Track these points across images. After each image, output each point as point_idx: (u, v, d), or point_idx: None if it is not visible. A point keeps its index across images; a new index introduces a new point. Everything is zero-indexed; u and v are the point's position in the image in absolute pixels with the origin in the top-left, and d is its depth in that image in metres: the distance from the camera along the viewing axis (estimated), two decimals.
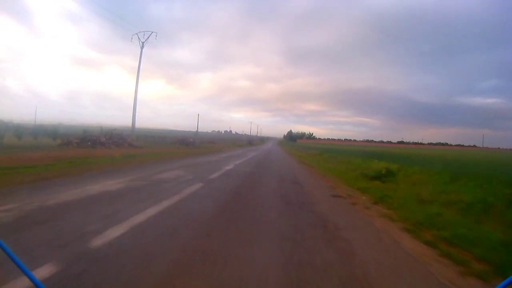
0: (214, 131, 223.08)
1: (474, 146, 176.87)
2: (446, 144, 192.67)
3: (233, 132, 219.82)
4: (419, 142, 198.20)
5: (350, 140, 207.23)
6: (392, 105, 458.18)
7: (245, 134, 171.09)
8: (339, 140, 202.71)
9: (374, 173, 11.83)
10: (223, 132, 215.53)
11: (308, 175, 14.75)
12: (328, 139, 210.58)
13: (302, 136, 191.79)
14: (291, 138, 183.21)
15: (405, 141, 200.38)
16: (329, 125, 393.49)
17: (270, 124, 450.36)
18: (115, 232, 3.96)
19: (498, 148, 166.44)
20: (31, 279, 0.89)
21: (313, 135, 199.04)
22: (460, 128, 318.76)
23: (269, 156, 29.95)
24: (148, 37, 38.05)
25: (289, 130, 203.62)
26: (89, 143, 23.84)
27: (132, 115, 36.03)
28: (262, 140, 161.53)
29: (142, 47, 38.13)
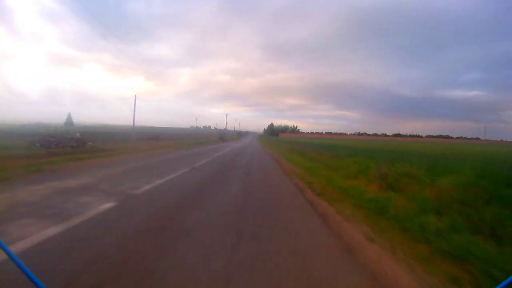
0: (192, 126, 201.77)
1: (478, 138, 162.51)
2: (448, 136, 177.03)
3: (212, 127, 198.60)
4: (417, 134, 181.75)
5: (339, 133, 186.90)
6: (373, 98, 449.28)
7: (224, 129, 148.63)
8: (327, 133, 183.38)
9: None
10: (201, 127, 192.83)
11: None
12: (312, 132, 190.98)
13: (285, 129, 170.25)
14: (273, 132, 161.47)
15: (402, 133, 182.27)
16: (309, 118, 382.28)
17: (250, 118, 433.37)
18: None
19: (501, 140, 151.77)
20: (31, 278, 0.88)
21: (297, 128, 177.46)
22: (442, 121, 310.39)
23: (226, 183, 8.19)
24: None
25: (269, 123, 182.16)
26: None
27: None
28: (240, 134, 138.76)
29: None
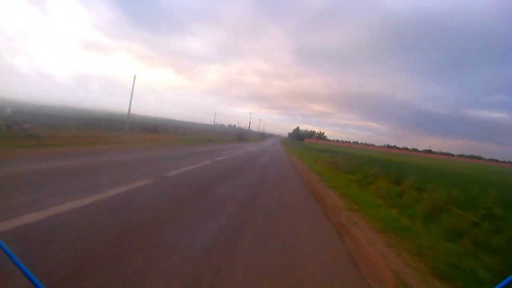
0: (217, 124, 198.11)
1: (510, 162, 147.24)
2: (479, 157, 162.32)
3: (237, 126, 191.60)
4: (449, 153, 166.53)
5: (367, 144, 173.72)
6: (399, 112, 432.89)
7: (247, 129, 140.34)
8: (355, 143, 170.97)
9: None
10: (226, 125, 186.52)
11: None
12: (338, 140, 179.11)
13: (311, 135, 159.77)
14: (298, 136, 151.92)
15: (433, 150, 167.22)
16: (335, 126, 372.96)
17: (275, 121, 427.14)
18: None
19: None
20: (31, 278, 0.86)
21: (324, 134, 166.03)
22: (465, 140, 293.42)
23: None
24: None
25: (295, 127, 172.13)
26: None
27: None
28: (263, 136, 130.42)
29: None
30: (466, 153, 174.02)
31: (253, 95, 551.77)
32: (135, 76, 38.55)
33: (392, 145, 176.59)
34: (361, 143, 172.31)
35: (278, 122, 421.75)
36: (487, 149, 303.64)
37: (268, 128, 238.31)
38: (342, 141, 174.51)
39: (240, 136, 62.69)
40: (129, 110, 38.35)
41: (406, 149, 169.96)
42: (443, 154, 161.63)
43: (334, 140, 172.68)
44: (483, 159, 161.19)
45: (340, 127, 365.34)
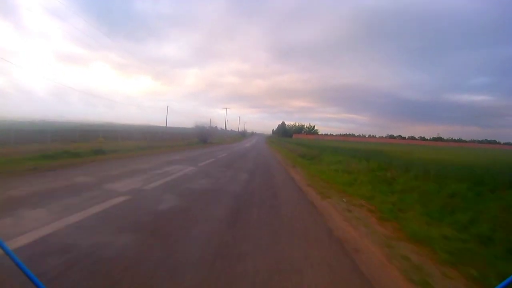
0: (197, 125, 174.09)
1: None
2: (495, 142, 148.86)
3: (219, 128, 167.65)
4: (460, 139, 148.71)
5: (369, 136, 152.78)
6: (380, 102, 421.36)
7: (231, 130, 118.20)
8: (352, 135, 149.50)
9: None
10: (207, 127, 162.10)
11: None
12: (327, 134, 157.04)
13: (300, 130, 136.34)
14: (285, 132, 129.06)
15: (443, 138, 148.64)
16: (316, 121, 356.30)
17: (257, 120, 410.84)
18: None
19: None
20: (31, 278, 0.86)
21: (315, 128, 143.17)
22: (449, 125, 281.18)
23: None
24: None
25: (280, 123, 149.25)
26: None
27: None
28: (244, 135, 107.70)
29: None
30: (465, 138, 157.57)
31: (233, 95, 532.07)
32: None
33: (396, 135, 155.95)
34: (359, 136, 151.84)
35: (260, 121, 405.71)
36: (474, 133, 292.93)
37: (251, 127, 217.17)
38: (338, 135, 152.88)
39: (203, 139, 39.75)
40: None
41: (412, 138, 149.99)
42: (454, 141, 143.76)
43: (325, 134, 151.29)
44: (499, 143, 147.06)
45: (322, 121, 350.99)
